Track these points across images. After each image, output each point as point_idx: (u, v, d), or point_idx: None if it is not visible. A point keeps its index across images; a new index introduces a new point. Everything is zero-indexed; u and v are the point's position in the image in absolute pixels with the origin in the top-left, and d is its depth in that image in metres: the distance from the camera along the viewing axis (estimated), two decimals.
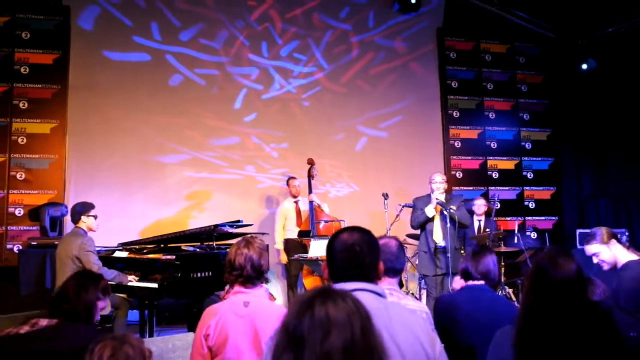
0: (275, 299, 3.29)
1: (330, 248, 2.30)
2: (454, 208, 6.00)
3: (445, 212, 6.00)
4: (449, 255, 5.93)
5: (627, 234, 8.58)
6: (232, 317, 2.85)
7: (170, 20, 8.57)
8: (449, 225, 5.95)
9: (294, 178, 8.15)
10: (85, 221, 5.89)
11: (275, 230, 7.98)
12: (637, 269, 3.75)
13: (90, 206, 5.98)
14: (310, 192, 7.81)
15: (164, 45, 8.52)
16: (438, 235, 6.20)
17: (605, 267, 3.98)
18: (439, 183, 6.19)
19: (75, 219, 5.89)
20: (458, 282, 3.74)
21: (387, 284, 2.87)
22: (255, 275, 3.01)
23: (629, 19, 8.94)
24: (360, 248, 2.23)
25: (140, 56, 8.43)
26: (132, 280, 5.77)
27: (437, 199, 6.09)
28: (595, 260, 4.03)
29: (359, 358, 1.42)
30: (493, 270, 3.37)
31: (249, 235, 3.28)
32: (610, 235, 3.99)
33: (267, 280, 3.13)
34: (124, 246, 6.43)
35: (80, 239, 5.70)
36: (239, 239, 3.23)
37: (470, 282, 3.39)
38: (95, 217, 5.95)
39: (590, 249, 4.04)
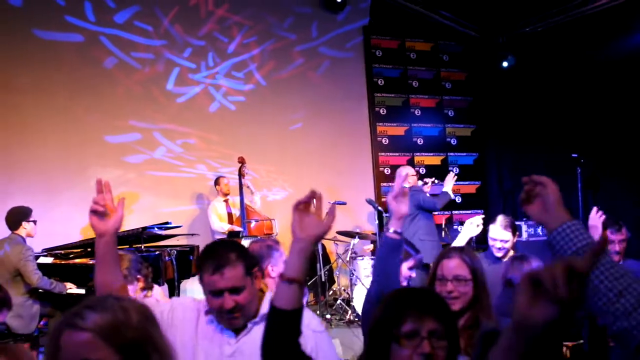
0: None
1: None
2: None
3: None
4: None
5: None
6: None
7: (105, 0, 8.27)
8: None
9: (222, 177, 8.15)
10: (26, 227, 5.61)
11: (214, 223, 7.86)
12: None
13: (30, 210, 5.71)
14: (241, 191, 7.80)
15: (98, 27, 8.19)
16: None
17: (502, 253, 4.10)
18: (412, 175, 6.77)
19: (15, 226, 5.59)
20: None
21: None
22: None
23: (544, 19, 9.36)
24: None
25: (73, 36, 8.06)
26: (72, 288, 5.63)
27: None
28: (498, 244, 4.12)
29: None
30: None
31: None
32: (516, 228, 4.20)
33: None
34: (48, 252, 6.27)
35: (19, 247, 5.44)
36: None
37: None
38: (34, 221, 5.72)
39: (504, 235, 4.10)
